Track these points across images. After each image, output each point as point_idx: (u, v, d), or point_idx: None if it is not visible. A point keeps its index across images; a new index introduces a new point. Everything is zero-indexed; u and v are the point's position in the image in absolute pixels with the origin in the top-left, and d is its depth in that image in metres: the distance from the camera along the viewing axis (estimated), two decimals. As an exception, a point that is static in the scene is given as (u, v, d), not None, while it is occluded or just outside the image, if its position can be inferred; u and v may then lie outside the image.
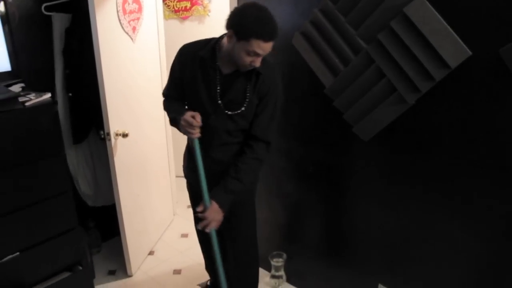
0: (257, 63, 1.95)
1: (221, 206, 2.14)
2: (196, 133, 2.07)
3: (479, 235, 2.04)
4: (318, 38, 2.33)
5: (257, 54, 1.91)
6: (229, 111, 2.10)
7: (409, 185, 2.24)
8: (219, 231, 2.31)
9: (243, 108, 2.09)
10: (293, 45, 2.47)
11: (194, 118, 2.04)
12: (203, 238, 2.72)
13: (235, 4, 2.80)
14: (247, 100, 2.08)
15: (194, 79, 2.13)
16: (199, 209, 2.15)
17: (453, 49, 1.87)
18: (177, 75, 2.22)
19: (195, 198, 2.42)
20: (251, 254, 2.56)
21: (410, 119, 2.13)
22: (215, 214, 2.14)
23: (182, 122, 2.07)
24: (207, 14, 4.22)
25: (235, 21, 1.90)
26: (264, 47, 1.88)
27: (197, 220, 2.55)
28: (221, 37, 2.08)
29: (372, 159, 2.35)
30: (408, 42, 1.98)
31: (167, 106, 2.33)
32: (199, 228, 2.17)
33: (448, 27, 1.86)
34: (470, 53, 1.84)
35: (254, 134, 2.16)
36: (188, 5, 4.22)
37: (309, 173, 2.69)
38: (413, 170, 2.20)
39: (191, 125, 2.04)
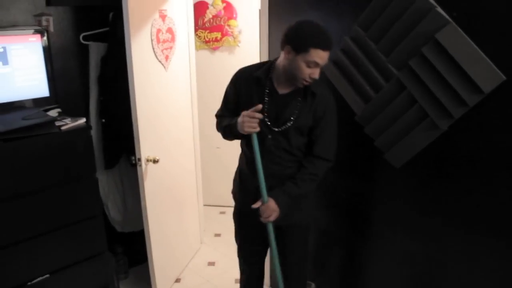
0: (316, 74, 2.03)
1: (276, 202, 2.19)
2: (257, 127, 2.11)
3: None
4: (349, 65, 2.35)
5: (316, 64, 2.00)
6: (276, 127, 2.18)
7: (443, 215, 2.18)
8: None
9: (289, 124, 2.15)
10: (324, 73, 2.49)
11: (254, 114, 2.10)
12: (245, 260, 2.67)
13: (266, 35, 2.86)
14: (295, 116, 2.15)
15: (249, 99, 2.20)
16: (256, 205, 2.20)
17: (487, 74, 1.85)
18: (231, 99, 2.32)
19: (242, 223, 2.51)
20: (301, 274, 2.55)
21: (443, 145, 2.10)
22: (271, 209, 2.18)
23: (243, 118, 2.11)
24: (237, 45, 4.31)
25: (292, 36, 2.02)
26: (323, 56, 1.98)
27: (242, 247, 2.60)
28: (276, 59, 2.19)
29: (404, 186, 2.31)
30: (440, 68, 1.97)
31: (219, 122, 2.38)
32: (262, 221, 2.21)
33: (481, 52, 1.85)
34: (504, 78, 1.82)
35: (315, 154, 2.22)
36: (219, 35, 4.31)
37: (340, 201, 2.65)
38: (445, 199, 2.15)
39: (253, 118, 2.09)
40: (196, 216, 3.91)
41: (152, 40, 2.88)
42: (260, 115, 2.10)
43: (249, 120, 2.09)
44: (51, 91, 2.68)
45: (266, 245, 2.53)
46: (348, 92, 2.39)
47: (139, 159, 2.80)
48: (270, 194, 2.20)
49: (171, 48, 3.17)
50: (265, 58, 2.86)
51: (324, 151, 2.22)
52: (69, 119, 2.55)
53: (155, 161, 2.88)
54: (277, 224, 2.27)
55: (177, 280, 3.48)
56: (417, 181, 2.25)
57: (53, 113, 2.61)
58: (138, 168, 2.83)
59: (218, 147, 4.61)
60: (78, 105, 3.01)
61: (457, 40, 1.89)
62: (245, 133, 2.14)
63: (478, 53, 1.86)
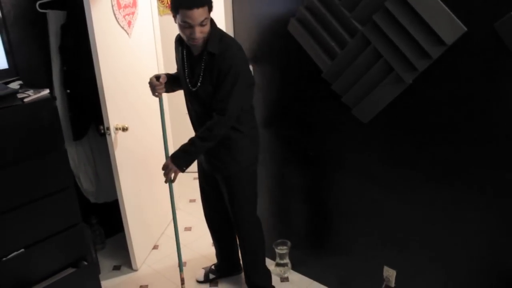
0: (196, 33, 2.10)
1: (172, 160, 2.37)
2: (156, 94, 2.43)
3: (480, 210, 2.05)
4: (314, 22, 2.34)
5: (189, 25, 2.07)
6: (193, 88, 2.34)
7: (410, 165, 2.24)
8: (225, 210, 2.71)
9: (199, 84, 2.29)
10: (289, 32, 2.47)
11: (159, 79, 2.39)
12: (211, 225, 2.94)
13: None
14: (200, 78, 2.28)
15: (178, 63, 2.46)
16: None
17: (448, 26, 1.88)
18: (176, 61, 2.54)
19: (203, 177, 2.76)
20: (251, 220, 2.70)
21: (409, 99, 2.14)
22: (166, 168, 2.39)
23: (149, 84, 2.42)
24: (202, 9, 4.22)
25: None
26: (191, 15, 2.04)
27: (205, 202, 2.87)
28: None
29: (373, 140, 2.36)
30: (403, 21, 1.99)
31: None
32: (165, 182, 2.46)
33: (442, 4, 1.87)
34: (465, 29, 1.85)
35: (213, 107, 2.28)
36: (182, 0, 4.20)
37: (309, 159, 2.69)
38: (413, 150, 2.20)
39: (151, 85, 2.41)
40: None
41: (112, 6, 2.79)
42: (158, 84, 2.38)
43: (150, 86, 2.42)
44: (10, 63, 2.59)
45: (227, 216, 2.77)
46: (313, 49, 2.38)
47: (108, 128, 2.77)
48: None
49: (133, 13, 3.08)
50: (230, 22, 2.81)
51: (217, 104, 2.25)
52: (32, 90, 2.47)
53: (124, 129, 2.85)
54: (216, 175, 2.56)
55: (155, 247, 3.51)
56: (385, 135, 2.29)
57: (14, 85, 2.53)
58: (108, 137, 2.80)
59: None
60: (41, 76, 2.92)
61: (418, -7, 1.91)
62: None
63: (439, 4, 1.87)
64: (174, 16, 2.13)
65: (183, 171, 2.39)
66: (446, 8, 1.86)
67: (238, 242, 2.82)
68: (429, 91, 2.06)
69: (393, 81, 2.12)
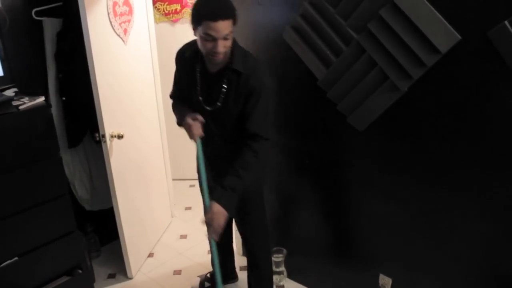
0: (219, 47, 1.93)
1: (219, 203, 2.07)
2: (195, 136, 2.21)
3: (479, 220, 2.05)
4: (309, 31, 2.35)
5: (212, 37, 1.91)
6: (209, 107, 2.18)
7: (405, 173, 2.25)
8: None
9: (218, 104, 2.14)
10: (285, 40, 2.48)
11: (197, 119, 2.19)
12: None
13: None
14: (222, 97, 2.12)
15: (186, 80, 2.26)
16: (203, 219, 2.12)
17: (443, 34, 1.89)
18: (177, 78, 2.40)
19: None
20: (263, 245, 2.60)
21: (404, 106, 2.14)
22: (215, 214, 2.07)
23: (184, 126, 2.24)
24: (198, 16, 4.23)
25: (191, 14, 1.97)
26: (215, 28, 1.88)
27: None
28: None
29: (368, 148, 2.36)
30: (398, 30, 2.00)
31: (174, 108, 2.44)
32: (208, 237, 2.14)
33: (437, 12, 1.88)
34: (460, 37, 1.86)
35: (250, 132, 2.13)
36: (178, 7, 4.22)
37: (305, 166, 2.70)
38: (409, 157, 2.21)
39: (187, 126, 2.21)
40: (165, 191, 3.90)
41: (108, 14, 2.79)
42: (194, 124, 2.18)
43: (189, 129, 2.21)
44: (5, 70, 2.58)
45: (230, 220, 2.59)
46: (309, 57, 2.39)
47: (103, 136, 2.76)
48: (212, 197, 2.11)
49: (129, 21, 3.09)
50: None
51: (257, 128, 2.12)
52: (27, 98, 2.47)
53: (119, 137, 2.84)
54: None
55: (150, 255, 3.49)
56: (380, 142, 2.30)
57: (10, 92, 2.52)
58: (103, 144, 2.79)
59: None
60: (36, 83, 2.91)
61: (413, 1, 1.92)
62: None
63: (434, 13, 1.89)
64: (195, 29, 1.97)
65: (232, 215, 2.18)
66: (440, 17, 1.88)
67: (248, 268, 2.69)
68: (424, 99, 2.07)
69: (388, 89, 2.13)
